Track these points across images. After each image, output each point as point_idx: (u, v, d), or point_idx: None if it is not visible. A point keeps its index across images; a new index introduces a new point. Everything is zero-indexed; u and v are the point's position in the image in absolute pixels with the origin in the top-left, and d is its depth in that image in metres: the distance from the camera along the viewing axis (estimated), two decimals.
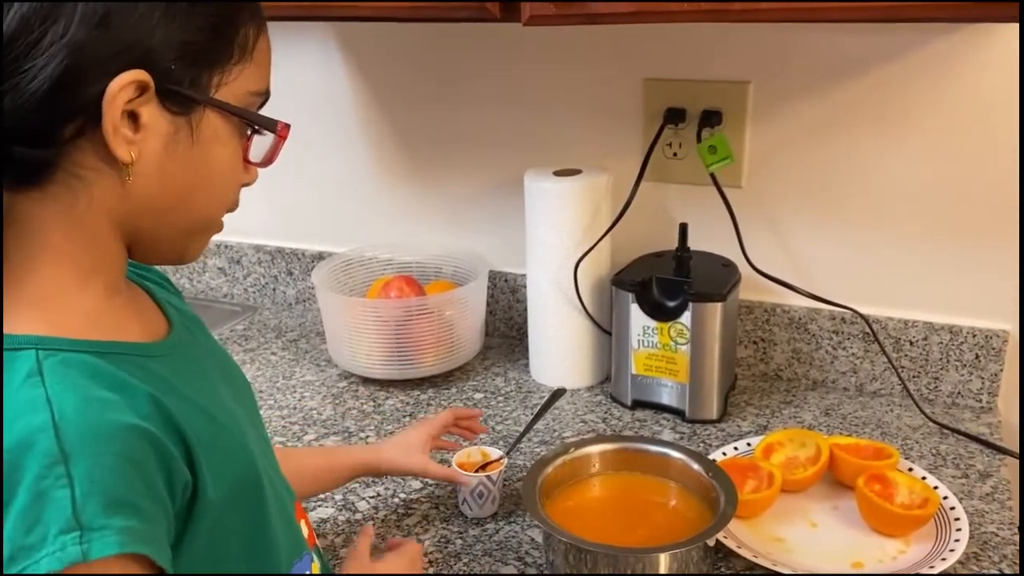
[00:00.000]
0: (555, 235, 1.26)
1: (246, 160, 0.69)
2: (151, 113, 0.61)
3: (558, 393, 1.22)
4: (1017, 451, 1.13)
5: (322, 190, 1.54)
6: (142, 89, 0.60)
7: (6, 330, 0.60)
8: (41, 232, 0.62)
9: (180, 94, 0.62)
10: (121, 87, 0.59)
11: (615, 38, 1.28)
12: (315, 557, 0.80)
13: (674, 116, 1.25)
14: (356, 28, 1.42)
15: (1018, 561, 0.94)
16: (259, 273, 1.64)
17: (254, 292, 1.66)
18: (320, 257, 1.55)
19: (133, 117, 0.61)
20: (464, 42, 1.37)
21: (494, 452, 1.07)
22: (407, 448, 1.03)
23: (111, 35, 0.59)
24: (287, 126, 0.69)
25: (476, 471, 1.03)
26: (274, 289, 1.64)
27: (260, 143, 0.70)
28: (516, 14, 0.99)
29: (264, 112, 0.70)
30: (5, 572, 0.54)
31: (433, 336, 1.31)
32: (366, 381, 1.36)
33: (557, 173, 1.27)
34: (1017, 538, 0.98)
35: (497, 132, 1.39)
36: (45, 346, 0.59)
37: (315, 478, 0.99)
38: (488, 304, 1.45)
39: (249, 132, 0.68)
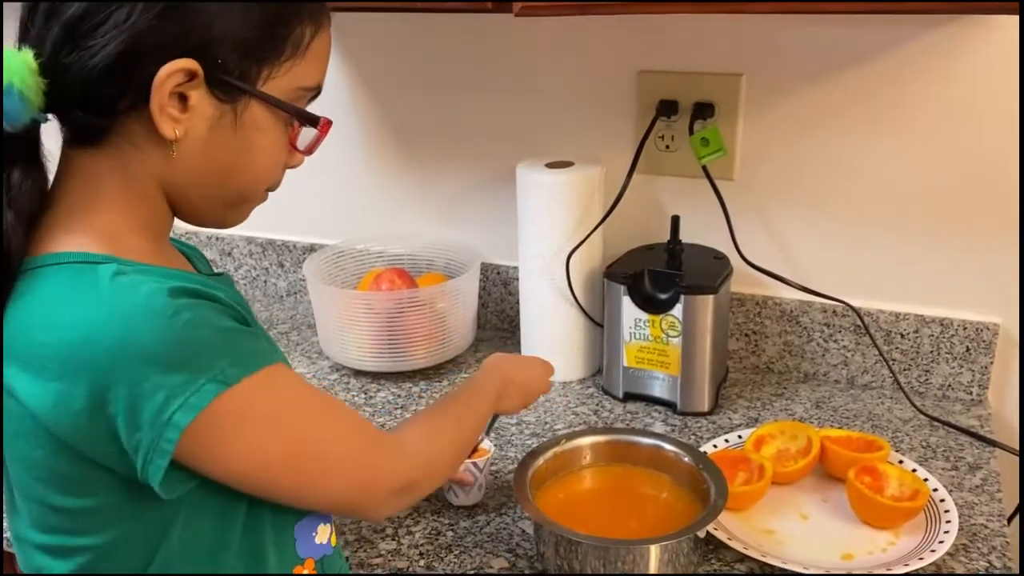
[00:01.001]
0: (547, 227, 1.26)
1: (293, 146, 0.75)
2: (199, 97, 0.67)
3: None
4: (1007, 444, 1.13)
5: (313, 182, 1.53)
6: (192, 75, 0.66)
7: (77, 247, 0.66)
8: (100, 183, 0.70)
9: (228, 83, 0.68)
10: (170, 74, 0.65)
11: (608, 30, 1.28)
12: (327, 521, 0.82)
13: (667, 108, 1.25)
14: (348, 19, 1.41)
15: (1007, 553, 0.94)
16: (250, 265, 1.63)
17: (245, 284, 1.65)
18: (311, 249, 1.55)
19: (183, 98, 0.67)
20: (456, 33, 1.36)
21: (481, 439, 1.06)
22: None
23: (168, 25, 0.65)
24: (329, 122, 0.74)
25: None
26: (265, 281, 1.64)
27: (308, 132, 0.75)
28: (508, 5, 0.98)
29: None
30: (150, 421, 0.61)
31: (425, 328, 1.31)
32: (357, 373, 1.35)
33: (549, 165, 1.27)
34: (1006, 530, 0.98)
35: (489, 124, 1.39)
36: (120, 263, 0.66)
37: None
38: (480, 296, 1.44)
39: (295, 122, 0.73)
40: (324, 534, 0.80)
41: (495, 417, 0.96)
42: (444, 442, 0.83)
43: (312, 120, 0.74)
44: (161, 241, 0.75)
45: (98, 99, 0.66)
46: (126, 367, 0.61)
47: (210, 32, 0.66)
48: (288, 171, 0.79)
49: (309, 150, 0.77)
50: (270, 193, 0.79)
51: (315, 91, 0.75)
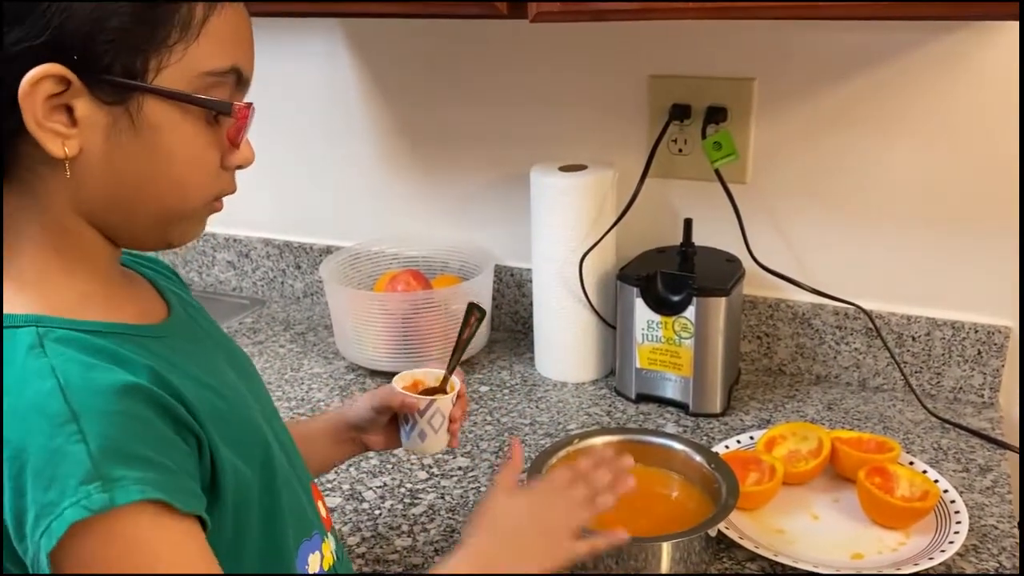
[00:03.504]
0: (560, 230, 1.27)
1: (231, 142, 0.66)
2: (85, 105, 0.60)
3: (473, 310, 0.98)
4: (1018, 446, 1.13)
5: (330, 185, 1.56)
6: (66, 82, 0.58)
7: (5, 310, 0.61)
8: (17, 221, 0.63)
9: (111, 83, 0.60)
10: (33, 83, 0.58)
11: (621, 35, 1.29)
12: (329, 538, 0.80)
13: (679, 112, 1.26)
14: (363, 24, 1.43)
15: (1017, 554, 0.95)
16: (267, 267, 1.66)
17: (262, 285, 1.67)
18: (328, 251, 1.57)
19: (69, 111, 0.60)
20: (470, 38, 1.38)
21: (436, 373, 0.96)
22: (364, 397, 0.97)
23: (16, 31, 0.57)
24: (246, 107, 0.65)
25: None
26: (282, 283, 1.66)
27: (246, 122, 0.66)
28: (523, 11, 1.00)
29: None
30: (29, 535, 0.55)
31: (439, 329, 1.33)
32: (373, 373, 1.37)
33: (563, 168, 1.28)
34: (1016, 531, 0.99)
35: (503, 128, 1.40)
36: (44, 324, 0.60)
37: (323, 446, 0.95)
38: (494, 298, 1.46)
39: (216, 115, 0.65)
40: (315, 564, 0.76)
41: (462, 345, 0.89)
42: None
43: (221, 107, 0.64)
44: (105, 275, 0.67)
45: None
46: (12, 472, 0.56)
47: (66, 29, 0.58)
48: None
49: (235, 142, 0.66)
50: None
51: (232, 76, 0.65)
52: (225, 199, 0.71)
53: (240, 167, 0.69)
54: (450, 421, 0.93)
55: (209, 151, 0.66)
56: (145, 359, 0.62)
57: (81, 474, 0.55)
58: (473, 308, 0.95)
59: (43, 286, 0.63)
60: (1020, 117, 1.13)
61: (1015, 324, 1.21)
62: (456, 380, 0.95)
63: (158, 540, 0.58)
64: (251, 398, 0.75)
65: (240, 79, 0.66)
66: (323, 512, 0.82)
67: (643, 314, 1.22)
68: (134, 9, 0.59)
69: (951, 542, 0.93)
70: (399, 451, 1.13)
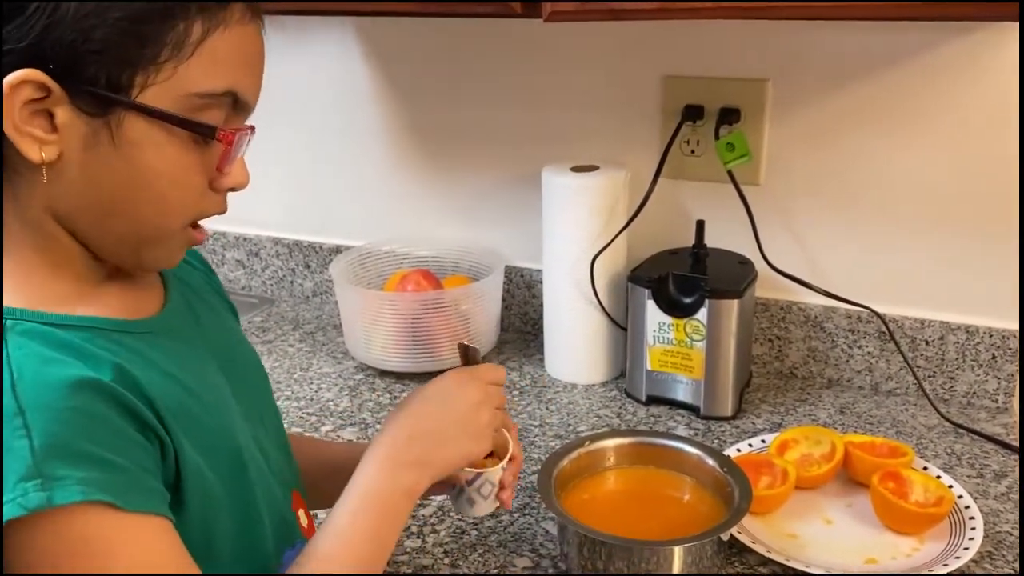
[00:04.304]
0: (572, 231, 1.27)
1: (217, 168, 0.65)
2: (65, 113, 0.59)
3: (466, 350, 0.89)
4: (1018, 446, 1.13)
5: (340, 184, 1.55)
6: (46, 89, 0.58)
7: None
8: (6, 220, 0.63)
9: (93, 94, 0.59)
10: (11, 87, 0.57)
11: (634, 35, 1.28)
12: None
13: (692, 113, 1.26)
14: (376, 23, 1.43)
15: None
16: (277, 266, 1.65)
17: (272, 284, 1.67)
18: (338, 250, 1.56)
19: (51, 116, 0.59)
20: (483, 37, 1.37)
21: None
22: None
23: (2, 32, 0.57)
24: (233, 132, 0.63)
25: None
26: (292, 282, 1.66)
27: (240, 148, 0.65)
28: (537, 10, 0.99)
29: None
30: None
31: (449, 330, 1.32)
32: (382, 374, 1.37)
33: (575, 169, 1.28)
34: None
35: (515, 127, 1.40)
36: (13, 316, 0.60)
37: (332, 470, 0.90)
38: (504, 299, 1.45)
39: (206, 138, 0.63)
40: None
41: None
42: None
43: (205, 131, 0.62)
44: (87, 274, 0.66)
45: None
46: None
47: (50, 36, 0.57)
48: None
49: (219, 168, 0.64)
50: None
51: (228, 99, 0.63)
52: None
53: (232, 190, 0.67)
54: (501, 487, 0.84)
55: (193, 173, 0.64)
56: (113, 355, 0.61)
57: (21, 470, 0.54)
58: (466, 349, 0.87)
59: (24, 281, 0.63)
60: (1020, 118, 1.12)
61: None
62: (510, 442, 0.85)
63: (113, 538, 0.57)
64: (233, 402, 0.73)
65: (237, 103, 0.64)
66: (304, 522, 0.80)
67: (654, 316, 1.22)
68: (123, 23, 0.58)
69: (966, 548, 0.92)
70: None
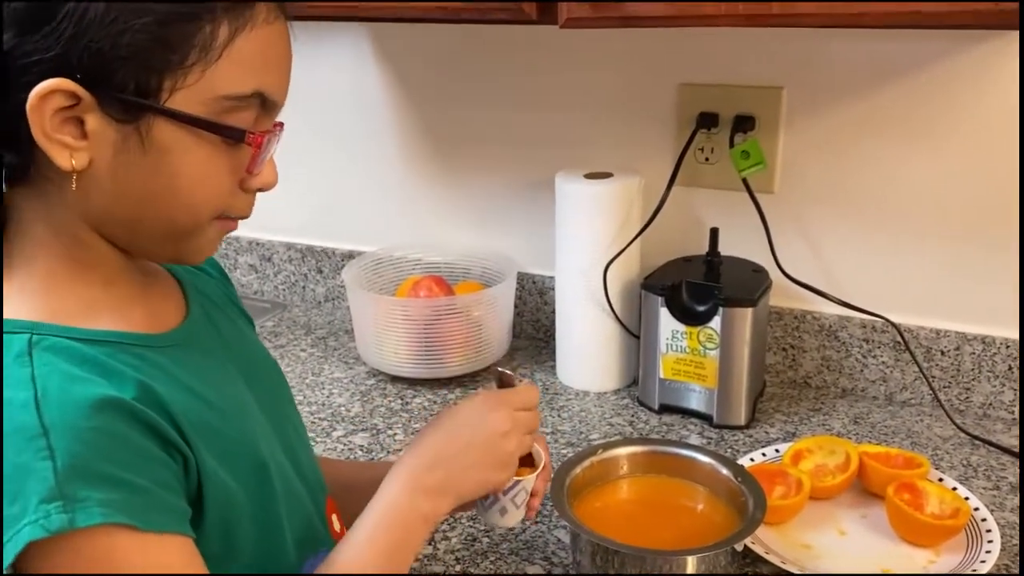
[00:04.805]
0: (585, 238, 1.26)
1: (247, 169, 0.65)
2: (95, 120, 0.59)
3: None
4: (1018, 449, 1.11)
5: (353, 189, 1.55)
6: (76, 97, 0.58)
7: (7, 315, 0.61)
8: (32, 225, 0.64)
9: (122, 100, 0.59)
10: (41, 97, 0.58)
11: (649, 42, 1.28)
12: None
13: (707, 121, 1.25)
14: (389, 29, 1.43)
15: None
16: (289, 271, 1.65)
17: (284, 289, 1.67)
18: (350, 256, 1.56)
19: (81, 123, 0.59)
20: (497, 44, 1.37)
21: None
22: None
23: (31, 41, 0.57)
24: (262, 134, 0.64)
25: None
26: (304, 287, 1.66)
27: (268, 149, 0.65)
28: (552, 16, 0.99)
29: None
30: None
31: (461, 336, 1.32)
32: (394, 379, 1.36)
33: (588, 176, 1.27)
34: None
35: (528, 134, 1.40)
36: (38, 331, 0.60)
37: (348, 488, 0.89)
38: (516, 306, 1.45)
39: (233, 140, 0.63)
40: None
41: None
42: None
43: (232, 135, 0.62)
44: (113, 284, 0.67)
45: (5, 132, 0.60)
46: None
47: (80, 44, 0.57)
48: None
49: (248, 170, 0.65)
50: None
51: (256, 100, 0.63)
52: None
53: (261, 190, 0.68)
54: (531, 495, 0.85)
55: (222, 175, 0.64)
56: (136, 371, 0.62)
57: (43, 492, 0.54)
58: (501, 374, 0.87)
59: (48, 291, 0.63)
60: (1020, 122, 1.11)
61: None
62: (541, 451, 0.86)
63: (132, 559, 0.57)
64: (257, 411, 0.74)
65: (265, 103, 0.64)
66: (336, 527, 0.80)
67: (668, 324, 1.21)
68: (150, 28, 0.58)
69: (983, 561, 0.91)
70: None
